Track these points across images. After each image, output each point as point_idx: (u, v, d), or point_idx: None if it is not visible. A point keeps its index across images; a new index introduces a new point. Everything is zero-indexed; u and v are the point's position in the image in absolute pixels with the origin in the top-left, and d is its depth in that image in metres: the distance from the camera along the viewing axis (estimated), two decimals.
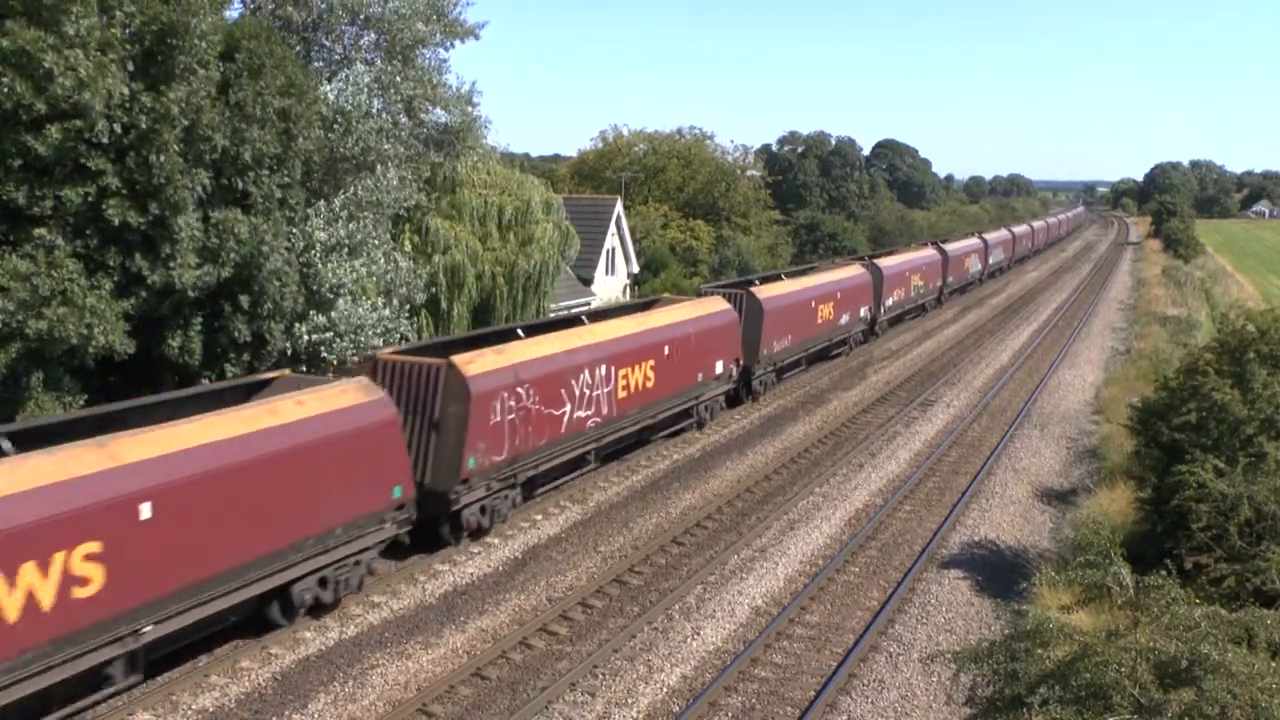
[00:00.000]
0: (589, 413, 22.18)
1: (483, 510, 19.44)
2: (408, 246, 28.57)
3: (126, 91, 17.61)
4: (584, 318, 25.50)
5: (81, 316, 17.09)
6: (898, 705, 14.37)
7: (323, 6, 25.53)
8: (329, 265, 22.64)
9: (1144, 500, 18.81)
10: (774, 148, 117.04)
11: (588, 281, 44.31)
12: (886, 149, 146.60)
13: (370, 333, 23.41)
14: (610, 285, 47.64)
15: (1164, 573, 13.43)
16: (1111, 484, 22.04)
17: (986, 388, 35.85)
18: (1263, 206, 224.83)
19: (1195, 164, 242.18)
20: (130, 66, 18.02)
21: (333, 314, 22.74)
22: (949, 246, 60.81)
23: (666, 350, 25.34)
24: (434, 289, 28.58)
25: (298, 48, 25.20)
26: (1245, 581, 15.16)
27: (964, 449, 27.80)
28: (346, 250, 23.38)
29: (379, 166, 24.74)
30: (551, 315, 30.57)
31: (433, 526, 18.70)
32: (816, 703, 14.19)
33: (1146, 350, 40.00)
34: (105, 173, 17.66)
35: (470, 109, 28.56)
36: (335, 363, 22.42)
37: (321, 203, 23.60)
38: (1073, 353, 44.09)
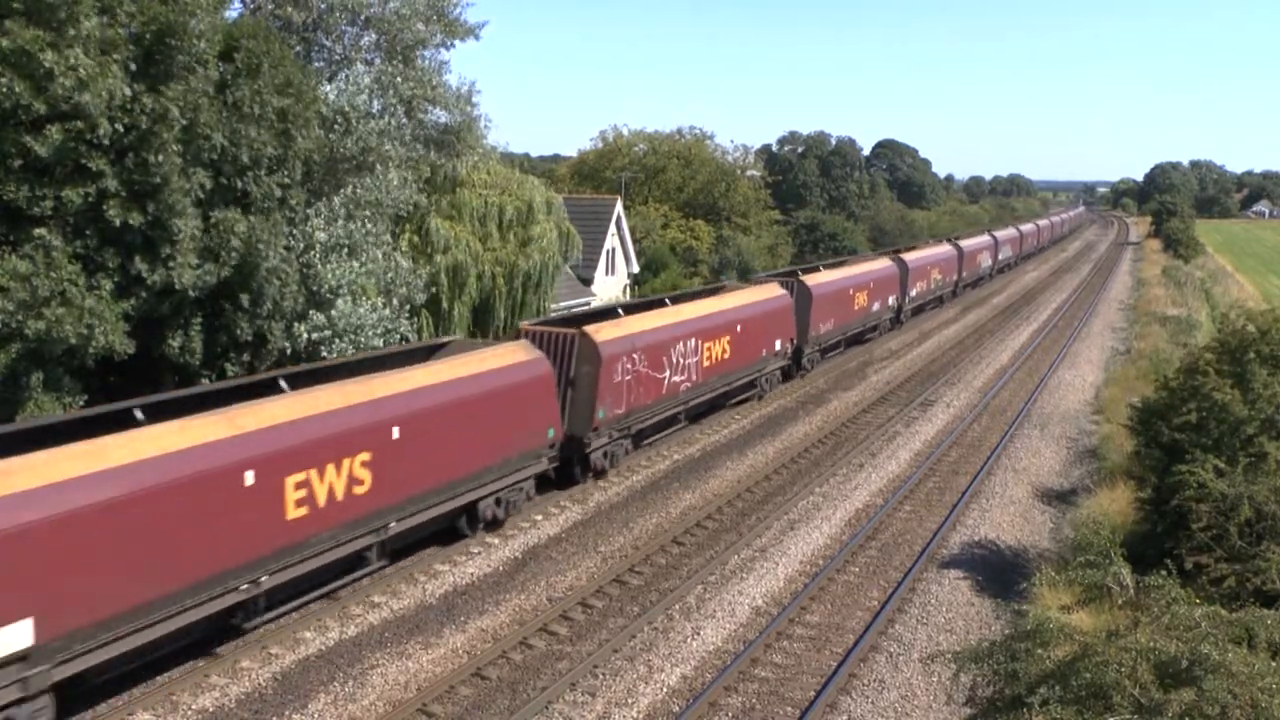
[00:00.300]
0: (682, 378, 26.32)
1: (605, 455, 23.44)
2: (407, 246, 28.56)
3: (128, 92, 17.61)
4: (666, 299, 29.22)
5: (80, 317, 17.09)
6: (898, 705, 14.37)
7: (323, 7, 25.50)
8: (328, 265, 22.64)
9: (1144, 500, 18.81)
10: (774, 148, 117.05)
11: (588, 281, 44.31)
12: (886, 149, 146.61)
13: (370, 332, 23.41)
14: (610, 285, 47.63)
15: (1164, 573, 13.42)
16: (1111, 484, 22.05)
17: (986, 388, 35.85)
18: (1263, 206, 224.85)
19: (1195, 164, 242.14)
20: (131, 67, 18.02)
21: (332, 313, 22.74)
22: (964, 243, 64.34)
23: (739, 328, 29.14)
24: (434, 289, 28.58)
25: (298, 48, 25.18)
26: (1245, 581, 15.16)
27: (964, 449, 27.80)
28: (346, 250, 23.38)
29: (379, 167, 24.74)
30: (646, 299, 32.58)
31: (567, 466, 22.72)
32: (816, 703, 14.19)
33: (1146, 350, 40.00)
34: (105, 174, 17.66)
35: (470, 108, 28.55)
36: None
37: (321, 202, 23.59)
38: (1073, 353, 44.09)
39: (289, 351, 22.22)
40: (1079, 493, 23.56)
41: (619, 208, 48.47)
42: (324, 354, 22.52)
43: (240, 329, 20.46)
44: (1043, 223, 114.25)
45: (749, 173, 78.21)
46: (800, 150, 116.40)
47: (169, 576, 13.25)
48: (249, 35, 19.98)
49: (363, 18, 26.35)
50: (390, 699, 14.11)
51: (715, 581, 18.35)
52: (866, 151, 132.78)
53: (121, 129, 17.66)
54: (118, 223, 17.74)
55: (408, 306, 26.29)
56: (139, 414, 14.28)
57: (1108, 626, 12.94)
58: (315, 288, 22.42)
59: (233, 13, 22.49)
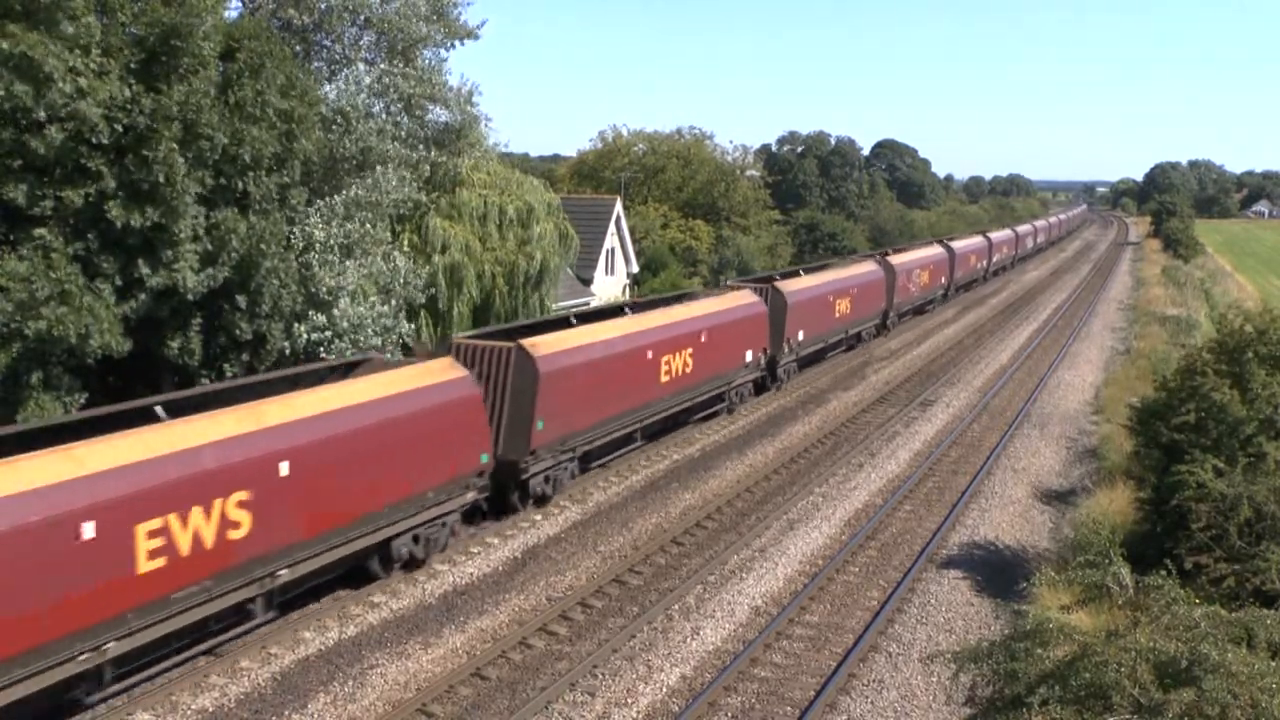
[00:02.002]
0: (915, 290, 50.95)
1: (891, 325, 47.04)
2: (407, 246, 28.55)
3: (128, 93, 17.62)
4: (890, 249, 55.06)
5: (80, 317, 17.10)
6: (897, 705, 14.37)
7: (323, 7, 25.52)
8: (326, 265, 22.63)
9: (1144, 500, 18.81)
10: (774, 148, 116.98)
11: (587, 281, 44.30)
12: (886, 149, 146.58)
13: (369, 332, 23.41)
14: (610, 285, 47.63)
15: (1164, 573, 13.41)
16: (1111, 484, 22.04)
17: (986, 387, 35.85)
18: (1263, 206, 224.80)
19: (1195, 164, 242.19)
20: (132, 67, 18.03)
21: (334, 313, 22.73)
22: (1019, 229, 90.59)
23: (932, 267, 55.19)
24: (433, 289, 28.58)
25: (298, 48, 25.19)
26: (1245, 581, 15.16)
27: (964, 449, 27.80)
28: (345, 250, 23.38)
29: (379, 167, 24.74)
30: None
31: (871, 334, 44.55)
32: (816, 703, 14.19)
33: (1146, 350, 40.00)
34: (104, 174, 17.66)
35: (470, 107, 28.61)
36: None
37: (321, 202, 23.60)
38: (1072, 353, 44.10)
39: (288, 352, 22.21)
40: (1079, 493, 23.56)
41: (619, 208, 48.46)
42: (323, 354, 22.51)
43: (239, 329, 20.46)
44: (1062, 216, 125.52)
45: (748, 173, 78.19)
46: (800, 150, 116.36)
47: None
48: (251, 36, 20.00)
49: (363, 18, 26.37)
50: (390, 699, 14.11)
51: (715, 581, 18.35)
52: (866, 151, 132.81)
53: (121, 129, 17.66)
54: (119, 224, 17.73)
55: (406, 307, 26.29)
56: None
57: (1107, 626, 12.94)
58: (314, 288, 22.41)
59: (232, 12, 22.53)
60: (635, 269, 51.17)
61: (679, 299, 30.22)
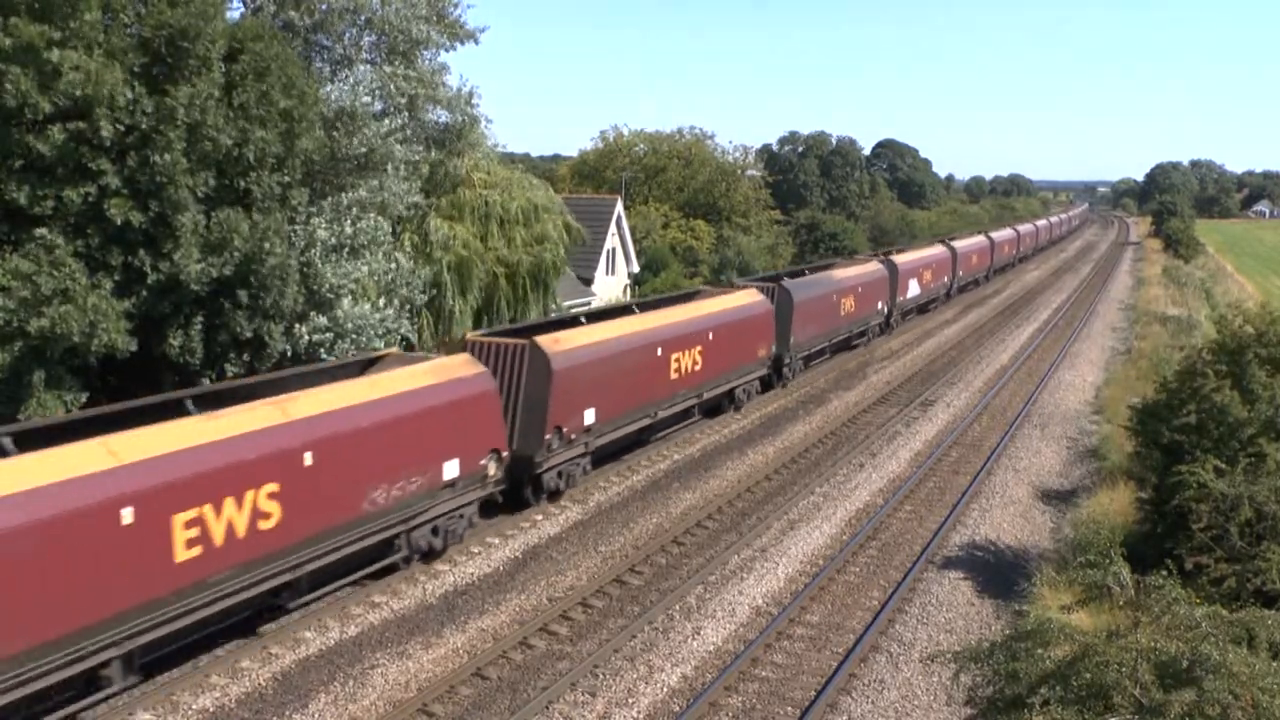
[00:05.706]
0: (970, 268, 63.52)
1: (953, 295, 58.89)
2: (408, 246, 28.55)
3: (130, 94, 17.63)
4: (950, 240, 62.17)
5: (84, 314, 17.10)
6: (898, 705, 14.38)
7: (324, 8, 25.51)
8: (329, 266, 22.61)
9: (1144, 500, 18.82)
10: (774, 148, 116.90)
11: (588, 281, 44.30)
12: (887, 149, 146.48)
13: (371, 333, 23.39)
14: (610, 285, 47.63)
15: (1164, 573, 13.39)
16: (1112, 484, 22.06)
17: (987, 388, 35.85)
18: (1263, 206, 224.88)
19: (1195, 164, 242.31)
20: (135, 69, 18.04)
21: (336, 314, 22.71)
22: (1039, 223, 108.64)
23: (979, 251, 67.61)
24: (435, 289, 28.58)
25: (299, 48, 25.16)
26: (1246, 582, 15.16)
27: (964, 449, 27.80)
28: (348, 251, 23.37)
29: (389, 166, 24.73)
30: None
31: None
32: (817, 702, 14.20)
33: (1146, 350, 40.00)
34: (106, 173, 17.66)
35: (470, 108, 28.61)
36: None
37: (325, 202, 23.59)
38: (1073, 353, 44.09)
39: (289, 353, 22.19)
40: (1079, 493, 23.57)
41: (619, 208, 48.47)
42: (324, 356, 22.48)
43: (240, 328, 20.45)
44: (1072, 213, 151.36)
45: (749, 172, 78.17)
46: (800, 150, 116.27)
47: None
48: (255, 38, 19.99)
49: (363, 18, 26.36)
50: (391, 699, 14.12)
51: (715, 581, 18.36)
52: (867, 151, 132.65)
53: (122, 129, 17.67)
54: (119, 222, 17.74)
55: (408, 307, 26.28)
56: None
57: (1108, 626, 12.93)
58: (316, 287, 22.39)
59: (233, 13, 22.52)
60: (636, 269, 51.19)
61: (830, 266, 42.91)
